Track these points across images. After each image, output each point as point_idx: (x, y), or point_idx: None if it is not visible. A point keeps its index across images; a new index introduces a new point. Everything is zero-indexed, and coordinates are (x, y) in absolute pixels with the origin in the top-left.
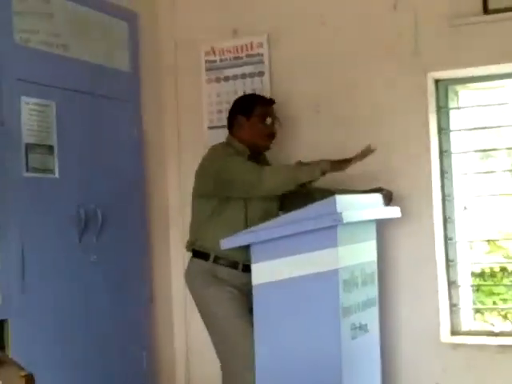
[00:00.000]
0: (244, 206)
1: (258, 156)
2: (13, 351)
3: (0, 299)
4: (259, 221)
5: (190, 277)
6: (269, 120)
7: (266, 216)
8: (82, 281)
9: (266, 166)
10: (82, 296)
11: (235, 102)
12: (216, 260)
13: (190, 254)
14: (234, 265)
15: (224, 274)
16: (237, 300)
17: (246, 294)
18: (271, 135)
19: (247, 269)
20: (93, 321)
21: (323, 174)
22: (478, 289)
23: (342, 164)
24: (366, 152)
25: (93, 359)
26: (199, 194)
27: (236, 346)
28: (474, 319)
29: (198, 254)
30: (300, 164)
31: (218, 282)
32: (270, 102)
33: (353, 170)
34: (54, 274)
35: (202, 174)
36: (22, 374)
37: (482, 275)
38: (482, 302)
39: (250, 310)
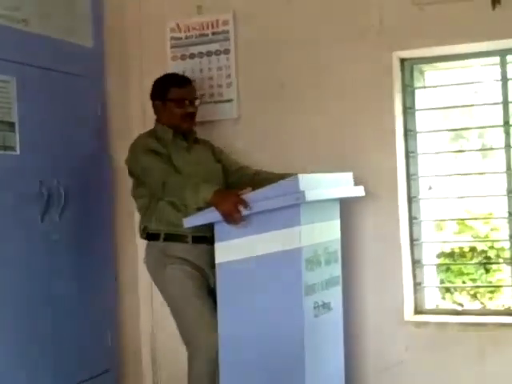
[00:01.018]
0: None
1: (186, 134)
2: None
3: None
4: None
5: (147, 261)
6: (186, 102)
7: None
8: (45, 260)
9: (172, 176)
10: (45, 275)
11: (152, 86)
12: (166, 238)
13: None
14: (183, 239)
15: (176, 251)
16: (192, 279)
17: (202, 271)
18: (189, 115)
19: (198, 240)
20: (56, 300)
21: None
22: (447, 269)
23: (231, 212)
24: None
25: (57, 338)
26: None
27: (190, 327)
28: (444, 299)
29: (150, 236)
30: (194, 186)
31: (172, 261)
32: (184, 82)
33: (317, 149)
34: (15, 253)
35: (127, 168)
36: None
37: (451, 255)
38: (451, 282)
39: (209, 288)
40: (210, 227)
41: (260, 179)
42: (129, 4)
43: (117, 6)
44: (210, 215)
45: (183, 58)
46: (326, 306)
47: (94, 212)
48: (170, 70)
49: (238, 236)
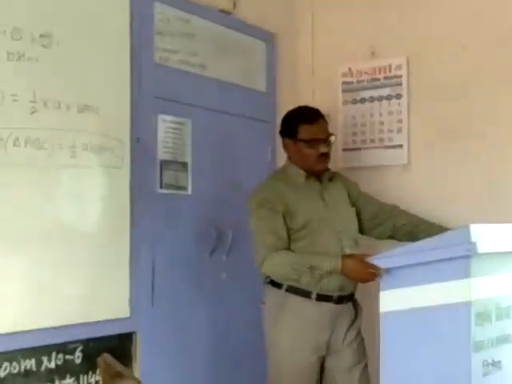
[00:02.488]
0: (311, 242)
1: (320, 174)
2: (141, 364)
3: (129, 312)
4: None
5: (265, 306)
6: (319, 141)
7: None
8: (211, 298)
9: (273, 254)
10: (211, 313)
11: (281, 122)
12: (288, 289)
13: None
14: (306, 294)
15: (295, 305)
16: (299, 352)
17: (318, 336)
18: (323, 156)
19: (322, 299)
20: (220, 338)
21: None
22: None
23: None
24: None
25: (219, 376)
26: None
27: None
28: None
29: (272, 283)
30: (310, 267)
31: (287, 319)
32: (316, 117)
33: (488, 201)
34: (183, 288)
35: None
36: None
37: None
38: None
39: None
40: (340, 286)
41: (415, 228)
42: (301, 49)
43: (290, 50)
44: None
45: (354, 102)
46: (496, 365)
47: None
48: (341, 115)
49: (404, 285)
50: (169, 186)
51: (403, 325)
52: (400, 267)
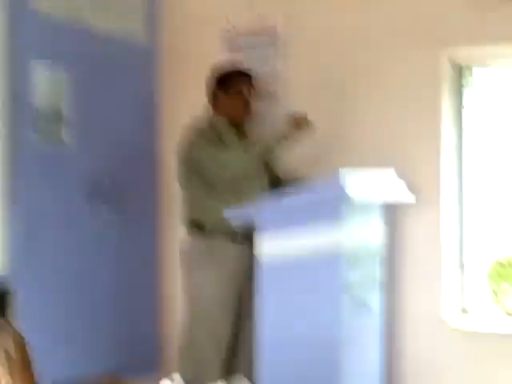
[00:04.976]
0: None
1: (238, 127)
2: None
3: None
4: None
5: (186, 255)
6: (246, 93)
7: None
8: (92, 245)
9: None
10: (91, 259)
11: (213, 76)
12: (213, 233)
13: None
14: (231, 236)
15: (221, 247)
16: (227, 285)
17: (241, 271)
18: (249, 107)
19: (246, 238)
20: (100, 284)
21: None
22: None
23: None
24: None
25: (99, 319)
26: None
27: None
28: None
29: (195, 229)
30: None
31: (214, 262)
32: (245, 73)
33: (362, 151)
34: (65, 239)
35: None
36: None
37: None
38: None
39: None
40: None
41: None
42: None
43: (169, 1)
44: (252, 210)
45: (232, 51)
46: (366, 306)
47: (140, 202)
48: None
49: (279, 231)
50: (47, 140)
51: (277, 269)
52: (275, 213)
